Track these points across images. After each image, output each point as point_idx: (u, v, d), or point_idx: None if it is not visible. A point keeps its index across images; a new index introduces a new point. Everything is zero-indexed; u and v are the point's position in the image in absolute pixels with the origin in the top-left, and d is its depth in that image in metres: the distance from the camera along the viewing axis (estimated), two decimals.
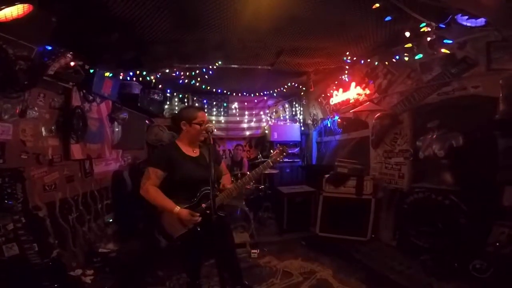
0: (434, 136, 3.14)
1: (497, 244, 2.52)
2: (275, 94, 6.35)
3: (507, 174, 2.54)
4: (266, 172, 2.23)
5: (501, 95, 2.49)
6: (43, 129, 2.79)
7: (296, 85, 5.44)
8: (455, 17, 2.42)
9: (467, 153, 2.86)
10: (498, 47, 2.58)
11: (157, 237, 2.17)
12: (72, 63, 2.73)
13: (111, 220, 3.85)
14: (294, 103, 6.75)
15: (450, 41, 2.61)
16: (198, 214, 1.98)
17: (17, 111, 2.45)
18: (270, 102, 6.74)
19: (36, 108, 2.68)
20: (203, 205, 2.04)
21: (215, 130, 6.07)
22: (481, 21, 2.43)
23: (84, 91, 3.29)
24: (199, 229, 2.01)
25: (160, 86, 5.02)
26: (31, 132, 2.62)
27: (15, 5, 1.89)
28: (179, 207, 1.98)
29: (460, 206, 2.83)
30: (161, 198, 2.03)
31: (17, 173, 2.33)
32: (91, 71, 3.17)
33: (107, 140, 3.96)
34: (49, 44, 2.43)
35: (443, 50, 2.63)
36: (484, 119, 2.68)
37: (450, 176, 3.03)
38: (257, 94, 6.43)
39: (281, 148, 2.26)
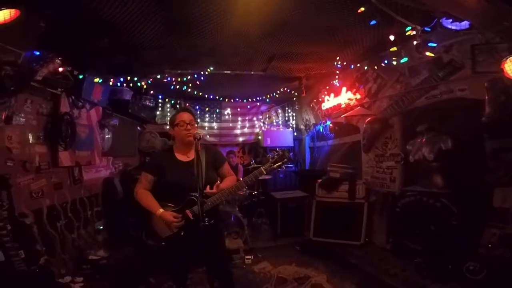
0: (424, 140, 3.17)
1: (489, 245, 2.55)
2: (268, 100, 6.36)
3: (495, 175, 2.57)
4: (260, 178, 2.16)
5: (486, 97, 2.52)
6: (30, 136, 2.74)
7: (288, 90, 5.46)
8: (440, 20, 2.46)
9: (456, 156, 2.88)
10: (482, 50, 2.62)
11: (144, 240, 2.15)
12: (60, 69, 2.69)
13: (101, 227, 3.79)
14: (287, 108, 6.78)
15: (435, 44, 2.64)
16: (181, 217, 1.97)
17: (3, 117, 2.39)
18: (263, 107, 6.75)
19: (22, 115, 2.63)
20: (187, 211, 2.01)
21: (208, 136, 6.21)
22: (465, 24, 2.47)
23: (73, 97, 3.24)
24: (182, 233, 2.00)
25: (151, 92, 5.00)
26: (17, 139, 2.56)
27: (1, 10, 1.87)
28: (162, 210, 1.99)
29: (451, 208, 2.85)
30: (147, 199, 2.06)
31: (3, 180, 2.29)
32: (81, 76, 3.13)
33: (97, 147, 3.90)
34: (37, 49, 2.39)
35: (427, 53, 2.67)
36: (471, 121, 2.72)
37: (440, 179, 3.06)
38: (249, 99, 6.44)
39: (280, 153, 2.03)
